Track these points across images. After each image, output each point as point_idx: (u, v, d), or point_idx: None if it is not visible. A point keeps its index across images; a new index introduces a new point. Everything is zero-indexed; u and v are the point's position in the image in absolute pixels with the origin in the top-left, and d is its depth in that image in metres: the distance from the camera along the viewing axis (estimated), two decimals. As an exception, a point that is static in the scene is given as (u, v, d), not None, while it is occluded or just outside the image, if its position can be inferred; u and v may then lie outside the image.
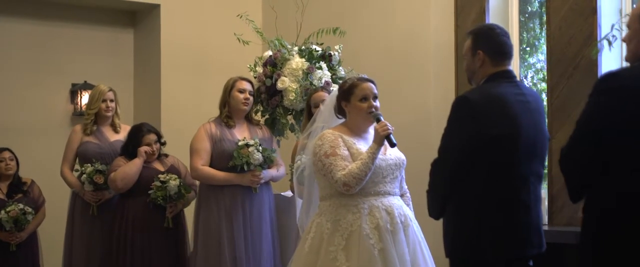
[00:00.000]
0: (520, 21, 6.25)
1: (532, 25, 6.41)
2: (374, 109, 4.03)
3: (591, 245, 2.97)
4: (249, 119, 5.66)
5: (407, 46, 6.55)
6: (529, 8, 6.40)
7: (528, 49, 6.39)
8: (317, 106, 5.06)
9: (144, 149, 5.73)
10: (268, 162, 5.46)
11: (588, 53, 5.37)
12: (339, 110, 4.17)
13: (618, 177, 2.93)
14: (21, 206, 6.19)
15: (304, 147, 4.26)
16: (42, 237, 6.54)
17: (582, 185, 3.05)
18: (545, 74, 5.84)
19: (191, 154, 5.53)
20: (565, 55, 5.52)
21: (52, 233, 6.74)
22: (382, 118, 4.01)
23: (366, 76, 4.13)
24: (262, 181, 5.48)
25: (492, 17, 6.10)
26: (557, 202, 5.50)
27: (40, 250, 6.50)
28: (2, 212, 6.11)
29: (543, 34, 6.18)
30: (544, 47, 5.93)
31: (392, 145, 3.97)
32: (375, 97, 4.06)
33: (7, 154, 6.42)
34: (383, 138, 3.93)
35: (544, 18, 5.76)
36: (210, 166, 5.47)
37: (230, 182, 5.42)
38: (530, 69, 6.30)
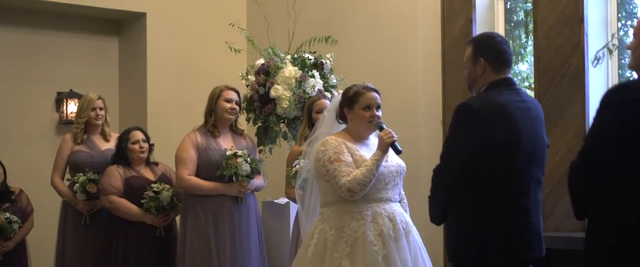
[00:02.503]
0: (506, 30, 6.35)
1: (518, 33, 6.52)
2: (375, 119, 4.08)
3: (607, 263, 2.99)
4: (233, 129, 5.66)
5: (395, 54, 6.63)
6: (515, 17, 6.51)
7: (514, 57, 6.48)
8: (318, 113, 5.11)
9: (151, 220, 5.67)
10: (255, 173, 5.47)
11: (575, 62, 5.47)
12: (341, 116, 4.20)
13: (635, 193, 2.92)
14: (7, 215, 6.11)
15: (307, 153, 4.30)
16: (30, 247, 6.50)
17: (589, 202, 3.05)
18: (531, 82, 5.94)
19: (177, 163, 5.50)
20: (552, 63, 5.62)
21: (40, 242, 6.69)
22: (384, 126, 4.06)
23: (371, 85, 4.16)
24: (249, 191, 5.50)
25: (479, 26, 6.19)
26: (545, 208, 5.55)
27: (28, 260, 6.44)
28: None
29: (529, 43, 6.29)
30: (530, 55, 6.03)
31: (398, 152, 4.02)
32: (378, 107, 4.11)
33: None
34: (388, 145, 3.98)
35: (530, 27, 5.86)
36: (196, 175, 5.45)
37: (217, 192, 5.42)
38: (516, 77, 6.40)
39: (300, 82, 5.69)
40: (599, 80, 5.57)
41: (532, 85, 5.86)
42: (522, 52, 6.45)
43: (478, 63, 3.74)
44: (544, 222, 5.48)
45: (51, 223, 6.24)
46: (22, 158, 7.40)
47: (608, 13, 5.60)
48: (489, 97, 3.67)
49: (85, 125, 6.07)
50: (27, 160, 7.43)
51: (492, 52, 3.73)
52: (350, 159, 4.00)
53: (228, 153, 5.39)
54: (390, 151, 4.06)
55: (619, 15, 5.60)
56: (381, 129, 4.05)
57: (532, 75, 5.96)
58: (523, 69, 6.43)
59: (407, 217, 4.11)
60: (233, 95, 5.55)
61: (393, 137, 3.98)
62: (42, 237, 6.63)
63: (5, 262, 6.17)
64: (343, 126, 4.20)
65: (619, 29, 5.59)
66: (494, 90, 3.70)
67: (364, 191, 3.94)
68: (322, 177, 4.02)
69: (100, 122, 6.09)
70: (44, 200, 6.59)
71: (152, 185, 5.65)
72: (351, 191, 3.92)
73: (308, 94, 5.65)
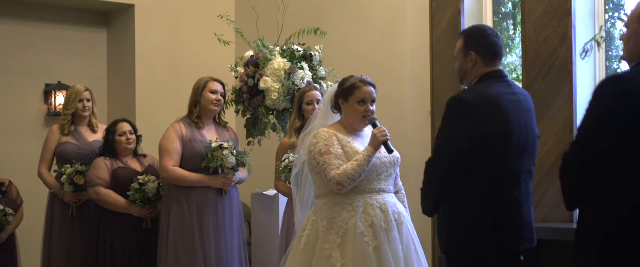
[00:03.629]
0: (494, 22, 6.38)
1: (506, 25, 6.55)
2: (369, 114, 4.09)
3: (598, 255, 3.01)
4: (217, 121, 5.64)
5: (384, 47, 6.65)
6: (503, 9, 6.54)
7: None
8: (309, 104, 5.11)
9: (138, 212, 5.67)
10: (240, 166, 5.47)
11: (563, 54, 5.51)
12: (336, 106, 4.21)
13: (629, 185, 2.93)
14: (1, 207, 6.15)
15: (300, 146, 4.31)
16: (19, 238, 6.50)
17: (582, 194, 3.06)
18: (520, 74, 5.97)
19: (161, 154, 5.47)
20: (540, 55, 5.65)
21: (28, 234, 6.70)
22: (378, 123, 4.07)
23: (368, 79, 4.15)
24: (233, 184, 5.51)
25: (467, 18, 6.22)
26: (534, 199, 5.62)
27: (18, 251, 6.46)
28: None
29: (517, 35, 6.32)
30: (519, 47, 6.07)
31: (390, 151, 4.02)
32: (373, 102, 4.11)
33: None
34: (381, 143, 3.99)
35: (518, 19, 5.90)
36: (180, 166, 5.43)
37: (202, 184, 5.41)
38: (505, 68, 6.43)
39: (289, 74, 5.71)
40: (587, 72, 5.62)
41: (521, 77, 5.89)
42: (511, 44, 6.49)
43: (469, 56, 3.76)
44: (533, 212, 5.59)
45: (39, 214, 6.24)
46: (11, 150, 7.42)
47: (595, 5, 5.64)
48: (480, 89, 3.70)
49: (73, 117, 6.07)
50: (15, 152, 7.44)
51: (483, 44, 3.75)
52: (340, 151, 4.00)
53: (214, 145, 5.37)
54: None
55: (607, 7, 5.64)
56: (375, 125, 4.06)
57: (520, 67, 5.99)
58: (511, 61, 6.47)
59: (400, 208, 4.11)
60: (218, 87, 5.52)
61: (386, 136, 4.00)
62: (30, 229, 6.65)
63: (-3, 253, 6.20)
64: (338, 117, 4.21)
65: (606, 21, 5.63)
66: (486, 82, 3.72)
67: (353, 185, 3.95)
68: (313, 170, 4.04)
69: (87, 114, 6.08)
70: (32, 191, 6.59)
71: (138, 177, 5.64)
72: (340, 184, 3.93)
73: (297, 86, 5.67)
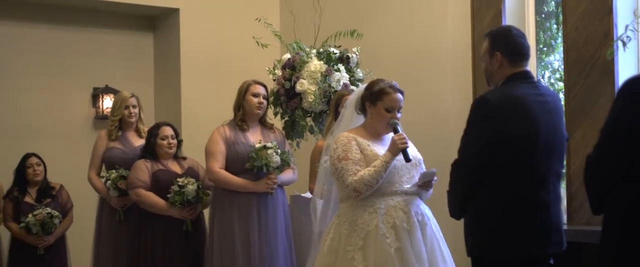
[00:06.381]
0: (536, 21, 6.27)
1: (548, 25, 6.44)
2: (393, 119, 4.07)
3: (616, 245, 2.97)
4: (262, 123, 5.68)
5: (425, 47, 6.60)
6: (545, 8, 6.43)
7: (545, 49, 6.42)
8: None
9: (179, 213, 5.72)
10: (285, 165, 5.49)
11: (604, 53, 5.39)
12: (361, 108, 4.19)
13: None
14: (48, 209, 6.27)
15: (327, 148, 4.30)
16: (69, 242, 6.62)
17: (604, 196, 3.04)
18: (562, 73, 5.87)
19: (207, 157, 5.54)
20: (582, 55, 5.55)
21: (79, 237, 6.81)
22: (399, 128, 4.04)
23: (397, 85, 4.12)
24: (277, 185, 5.51)
25: (509, 18, 6.13)
26: (575, 202, 5.53)
27: (68, 254, 6.57)
28: (30, 215, 6.20)
29: (560, 34, 6.22)
30: (561, 46, 5.97)
31: (407, 160, 3.98)
32: (399, 109, 4.09)
33: (34, 160, 6.51)
34: (399, 150, 3.96)
35: (561, 18, 5.79)
36: (225, 169, 5.49)
37: (246, 190, 5.44)
38: (547, 68, 6.34)
39: (326, 76, 5.70)
40: (629, 72, 5.49)
41: (562, 77, 5.79)
42: (553, 43, 6.38)
43: (494, 57, 3.73)
44: (575, 216, 5.50)
45: (89, 218, 6.33)
46: (60, 154, 7.53)
47: (638, 3, 5.51)
48: (506, 90, 3.66)
49: (120, 122, 6.16)
50: (65, 156, 7.56)
51: (509, 45, 3.72)
52: (358, 156, 3.99)
53: (258, 145, 5.42)
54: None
55: (649, 4, 5.51)
56: (396, 131, 4.02)
57: (562, 67, 5.89)
58: (556, 59, 6.36)
59: (424, 209, 4.09)
60: (260, 89, 5.58)
61: (406, 143, 3.97)
62: (81, 232, 6.74)
63: (46, 256, 6.33)
64: (362, 119, 4.19)
65: (648, 19, 5.50)
66: (512, 83, 3.69)
67: (370, 191, 3.94)
68: (334, 175, 4.04)
69: (133, 120, 6.17)
70: (82, 195, 6.69)
71: (178, 179, 5.70)
72: (357, 190, 3.92)
73: (333, 88, 5.66)
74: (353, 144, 4.01)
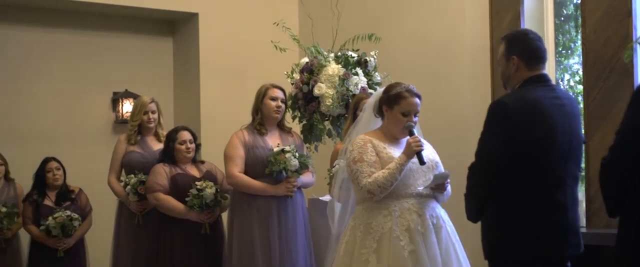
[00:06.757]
0: (555, 24, 6.25)
1: (567, 27, 6.42)
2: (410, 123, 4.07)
3: (632, 246, 2.96)
4: (280, 126, 5.70)
5: (443, 50, 6.59)
6: (564, 11, 6.41)
7: (564, 51, 6.39)
8: None
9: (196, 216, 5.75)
10: (303, 168, 5.50)
11: (623, 56, 5.37)
12: (379, 111, 4.20)
13: None
14: (68, 212, 6.33)
15: (344, 151, 4.31)
16: (89, 245, 6.67)
17: (620, 198, 3.03)
18: (581, 76, 5.85)
19: (226, 161, 5.55)
20: (601, 57, 5.52)
21: (98, 241, 6.86)
22: (415, 131, 4.05)
23: (414, 89, 4.12)
24: (296, 188, 5.53)
25: (527, 20, 6.11)
26: (594, 204, 5.50)
27: (87, 257, 6.63)
28: (50, 218, 6.26)
29: (579, 37, 6.19)
30: (580, 49, 5.94)
31: (422, 163, 3.98)
32: (416, 113, 4.10)
33: (54, 164, 6.57)
34: (414, 153, 3.96)
35: (580, 21, 5.77)
36: (244, 173, 5.51)
37: (265, 194, 5.46)
38: (567, 71, 6.31)
39: (343, 79, 5.71)
40: (649, 75, 5.47)
41: (581, 80, 5.76)
42: (572, 46, 6.35)
43: (511, 60, 3.72)
44: (593, 219, 5.47)
45: (108, 222, 6.37)
46: (80, 158, 7.58)
47: (658, 5, 5.48)
48: (522, 93, 3.66)
49: (139, 127, 6.18)
50: (84, 160, 7.61)
51: (526, 49, 3.71)
52: (373, 158, 3.99)
53: (276, 149, 5.43)
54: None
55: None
56: (411, 134, 4.03)
57: (581, 70, 5.87)
58: (575, 62, 6.33)
59: (440, 211, 4.08)
60: (278, 93, 5.60)
61: (421, 146, 3.96)
62: (100, 236, 6.79)
63: (65, 258, 6.39)
64: (380, 122, 4.20)
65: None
66: (528, 87, 3.69)
67: (385, 193, 3.95)
68: (349, 177, 4.05)
69: (152, 125, 6.19)
70: (101, 199, 6.74)
71: (196, 182, 5.72)
72: (371, 192, 3.93)
73: (351, 91, 5.67)
74: (369, 146, 4.02)
